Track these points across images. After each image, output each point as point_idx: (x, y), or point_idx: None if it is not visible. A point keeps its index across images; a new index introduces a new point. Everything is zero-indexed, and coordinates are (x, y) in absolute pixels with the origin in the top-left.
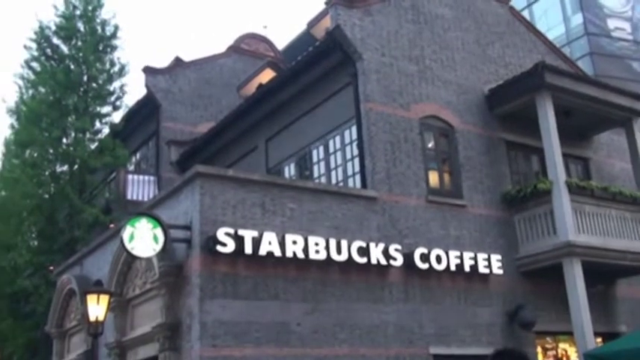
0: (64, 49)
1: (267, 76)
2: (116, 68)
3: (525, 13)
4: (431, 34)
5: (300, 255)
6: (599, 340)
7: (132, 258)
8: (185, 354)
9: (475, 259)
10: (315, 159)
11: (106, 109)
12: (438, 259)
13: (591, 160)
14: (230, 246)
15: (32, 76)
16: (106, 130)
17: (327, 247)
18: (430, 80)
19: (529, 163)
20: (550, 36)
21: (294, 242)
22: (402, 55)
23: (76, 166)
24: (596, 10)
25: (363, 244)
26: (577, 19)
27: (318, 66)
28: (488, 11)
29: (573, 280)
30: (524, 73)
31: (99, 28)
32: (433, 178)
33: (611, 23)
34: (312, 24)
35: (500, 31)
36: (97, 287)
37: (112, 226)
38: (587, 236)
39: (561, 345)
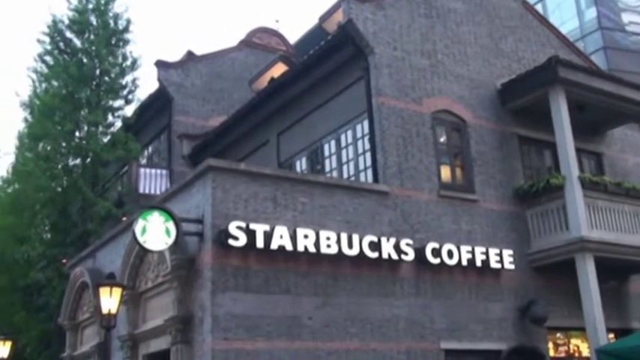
0: (77, 42)
1: (278, 70)
2: (128, 62)
3: (539, 7)
4: (443, 28)
5: (312, 249)
6: (611, 336)
7: (144, 251)
8: (197, 347)
9: (487, 254)
10: (326, 153)
11: (118, 103)
12: (450, 253)
13: (605, 155)
14: (242, 240)
15: (45, 70)
16: (119, 124)
17: (339, 242)
18: (442, 74)
19: (542, 158)
20: (563, 30)
21: (306, 236)
22: (414, 49)
23: (88, 160)
24: (611, 4)
25: (375, 239)
26: (591, 13)
27: (330, 60)
28: (500, 5)
29: (586, 276)
30: (537, 67)
31: (111, 21)
32: (445, 172)
33: (626, 17)
34: (324, 18)
35: (513, 25)
36: (110, 280)
37: (124, 219)
38: (600, 232)
39: (573, 341)
